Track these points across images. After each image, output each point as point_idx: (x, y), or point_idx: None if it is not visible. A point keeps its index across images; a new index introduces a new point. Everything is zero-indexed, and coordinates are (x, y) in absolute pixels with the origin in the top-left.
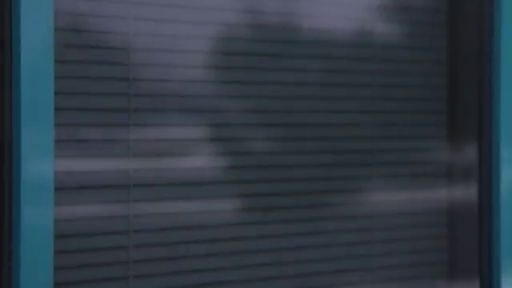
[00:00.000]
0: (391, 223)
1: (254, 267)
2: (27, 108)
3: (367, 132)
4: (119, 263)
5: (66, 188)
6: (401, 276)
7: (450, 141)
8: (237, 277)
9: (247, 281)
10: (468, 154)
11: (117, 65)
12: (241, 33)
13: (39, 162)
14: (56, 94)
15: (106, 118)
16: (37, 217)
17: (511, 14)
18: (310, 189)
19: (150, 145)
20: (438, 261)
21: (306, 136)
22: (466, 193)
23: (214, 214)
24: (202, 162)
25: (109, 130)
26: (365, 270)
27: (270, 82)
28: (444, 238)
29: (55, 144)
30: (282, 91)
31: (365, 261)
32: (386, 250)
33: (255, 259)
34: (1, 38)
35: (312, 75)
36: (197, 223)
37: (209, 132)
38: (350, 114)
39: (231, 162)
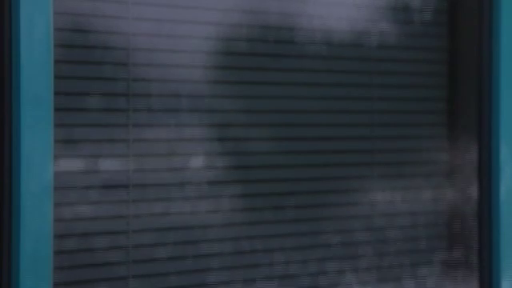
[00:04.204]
0: (391, 223)
1: (254, 267)
2: (27, 108)
3: (367, 132)
4: (119, 263)
5: (66, 188)
6: (401, 275)
7: (450, 141)
8: (237, 277)
9: (247, 281)
10: (468, 154)
11: (117, 65)
12: (241, 33)
13: (39, 162)
14: (56, 94)
15: (106, 118)
16: (37, 217)
17: (511, 14)
18: (310, 189)
19: (150, 145)
20: (437, 260)
21: (305, 136)
22: (466, 193)
23: (213, 214)
24: (202, 162)
25: (109, 130)
26: (365, 270)
27: (270, 82)
28: (444, 238)
29: (55, 144)
30: (282, 91)
31: (365, 260)
32: (386, 249)
33: (255, 259)
34: (1, 38)
35: (312, 75)
36: (197, 223)
37: (209, 132)
38: (350, 114)
39: (231, 162)
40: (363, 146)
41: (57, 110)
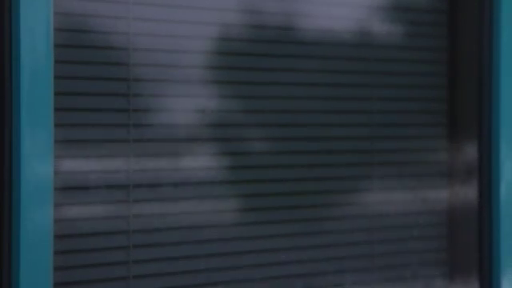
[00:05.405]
0: (391, 223)
1: (254, 267)
2: (27, 108)
3: (367, 132)
4: (119, 263)
5: (66, 188)
6: (401, 276)
7: (450, 141)
8: (236, 277)
9: (247, 281)
10: (468, 154)
11: (117, 65)
12: (241, 33)
13: (39, 162)
14: (56, 94)
15: (106, 117)
16: (37, 217)
17: (511, 14)
18: (310, 189)
19: (150, 145)
20: (438, 261)
21: (305, 136)
22: (466, 193)
23: (213, 214)
24: (202, 162)
25: (109, 130)
26: (365, 270)
27: (269, 83)
28: (444, 238)
29: (55, 144)
30: (282, 91)
31: (365, 261)
32: (386, 250)
33: (255, 259)
34: (1, 38)
35: (312, 75)
36: (196, 223)
37: (209, 132)
38: (350, 114)
39: (231, 162)
40: (363, 146)
41: (57, 110)
